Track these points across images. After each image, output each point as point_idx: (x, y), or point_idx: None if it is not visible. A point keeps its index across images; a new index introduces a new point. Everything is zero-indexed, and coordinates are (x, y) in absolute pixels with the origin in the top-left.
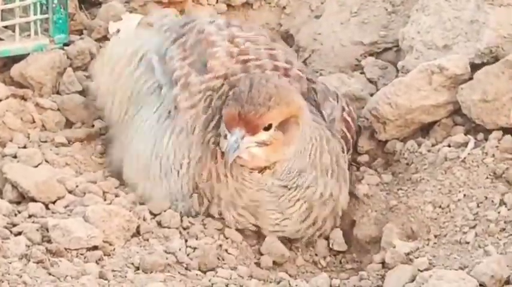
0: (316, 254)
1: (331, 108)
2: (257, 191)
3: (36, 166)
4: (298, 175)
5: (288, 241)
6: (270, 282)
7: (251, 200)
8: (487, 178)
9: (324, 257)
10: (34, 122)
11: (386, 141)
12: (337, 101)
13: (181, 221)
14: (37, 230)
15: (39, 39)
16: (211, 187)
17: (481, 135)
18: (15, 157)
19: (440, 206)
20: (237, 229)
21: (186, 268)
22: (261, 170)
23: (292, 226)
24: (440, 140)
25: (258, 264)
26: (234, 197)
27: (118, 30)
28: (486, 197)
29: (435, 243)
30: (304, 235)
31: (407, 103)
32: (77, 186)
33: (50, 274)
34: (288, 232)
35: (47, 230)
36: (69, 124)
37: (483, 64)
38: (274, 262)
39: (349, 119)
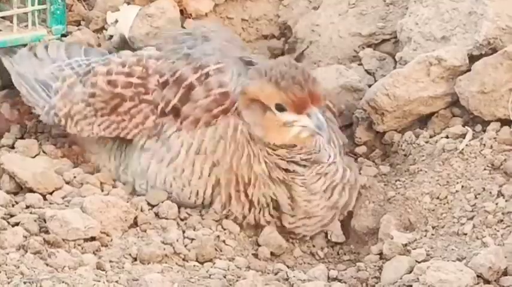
0: (313, 246)
1: None
2: (288, 163)
3: (34, 157)
4: (321, 149)
5: (286, 233)
6: (268, 273)
7: (286, 171)
8: (485, 169)
9: (322, 249)
10: (31, 113)
11: (384, 133)
12: None
13: (179, 212)
14: (34, 220)
15: (37, 30)
16: (249, 167)
17: (479, 127)
18: (12, 147)
19: (438, 198)
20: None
21: (184, 259)
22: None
23: (317, 201)
24: (438, 131)
25: (255, 255)
26: (270, 171)
27: (116, 21)
28: (484, 189)
29: (433, 234)
30: (324, 218)
31: (406, 94)
32: (74, 177)
33: (47, 264)
34: (313, 208)
35: (45, 220)
36: None
37: (481, 56)
38: (271, 253)
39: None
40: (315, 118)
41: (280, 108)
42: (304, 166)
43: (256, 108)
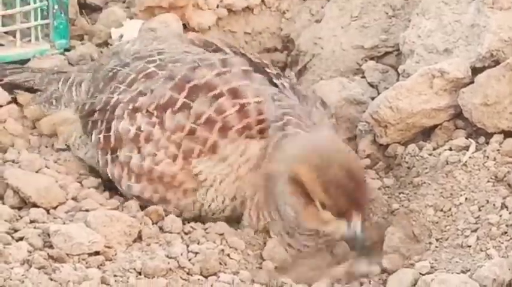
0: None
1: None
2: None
3: (37, 172)
4: None
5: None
6: (272, 286)
7: None
8: (489, 181)
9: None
10: (35, 127)
11: (387, 145)
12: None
13: (183, 226)
14: (39, 235)
15: (40, 44)
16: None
17: (482, 139)
18: (16, 162)
19: (441, 210)
20: None
21: (188, 273)
22: None
23: None
24: (442, 143)
25: (260, 269)
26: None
27: (121, 36)
28: (487, 201)
29: (437, 247)
30: None
31: (409, 107)
32: (78, 191)
33: (51, 279)
34: None
35: (49, 235)
36: None
37: (484, 68)
38: (276, 267)
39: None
40: (352, 230)
41: (324, 205)
42: None
43: (301, 195)
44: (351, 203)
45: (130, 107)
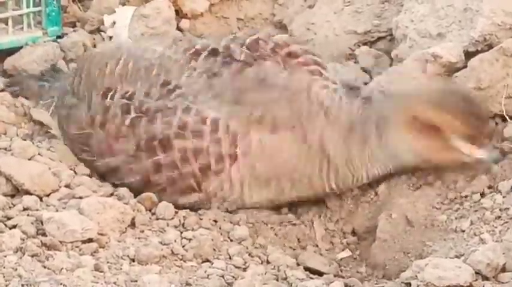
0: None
1: None
2: None
3: (30, 159)
4: None
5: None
6: (266, 272)
7: None
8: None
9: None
10: (27, 115)
11: None
12: None
13: (176, 212)
14: (32, 223)
15: (32, 32)
16: None
17: None
18: (8, 150)
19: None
20: None
21: (182, 259)
22: None
23: None
24: None
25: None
26: None
27: (114, 23)
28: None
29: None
30: None
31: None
32: (71, 179)
33: (45, 267)
34: None
35: (42, 223)
36: None
37: (477, 52)
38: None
39: None
40: (491, 152)
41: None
42: None
43: (430, 133)
44: (482, 128)
45: None
